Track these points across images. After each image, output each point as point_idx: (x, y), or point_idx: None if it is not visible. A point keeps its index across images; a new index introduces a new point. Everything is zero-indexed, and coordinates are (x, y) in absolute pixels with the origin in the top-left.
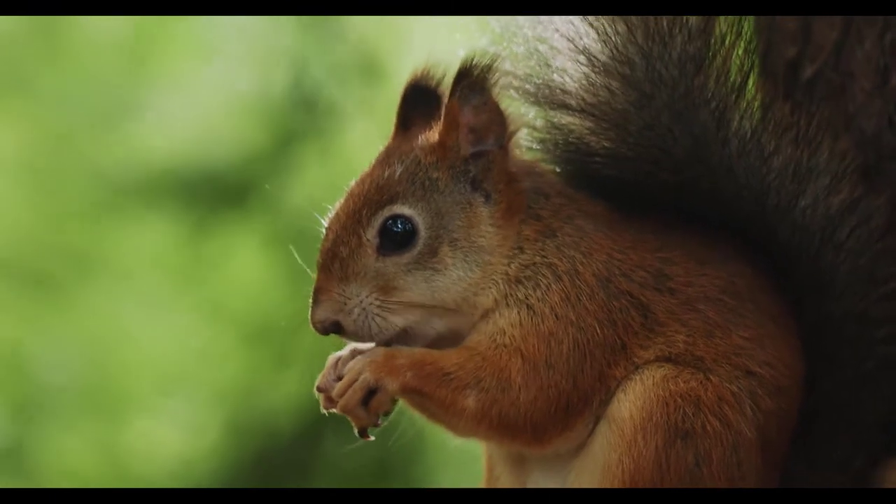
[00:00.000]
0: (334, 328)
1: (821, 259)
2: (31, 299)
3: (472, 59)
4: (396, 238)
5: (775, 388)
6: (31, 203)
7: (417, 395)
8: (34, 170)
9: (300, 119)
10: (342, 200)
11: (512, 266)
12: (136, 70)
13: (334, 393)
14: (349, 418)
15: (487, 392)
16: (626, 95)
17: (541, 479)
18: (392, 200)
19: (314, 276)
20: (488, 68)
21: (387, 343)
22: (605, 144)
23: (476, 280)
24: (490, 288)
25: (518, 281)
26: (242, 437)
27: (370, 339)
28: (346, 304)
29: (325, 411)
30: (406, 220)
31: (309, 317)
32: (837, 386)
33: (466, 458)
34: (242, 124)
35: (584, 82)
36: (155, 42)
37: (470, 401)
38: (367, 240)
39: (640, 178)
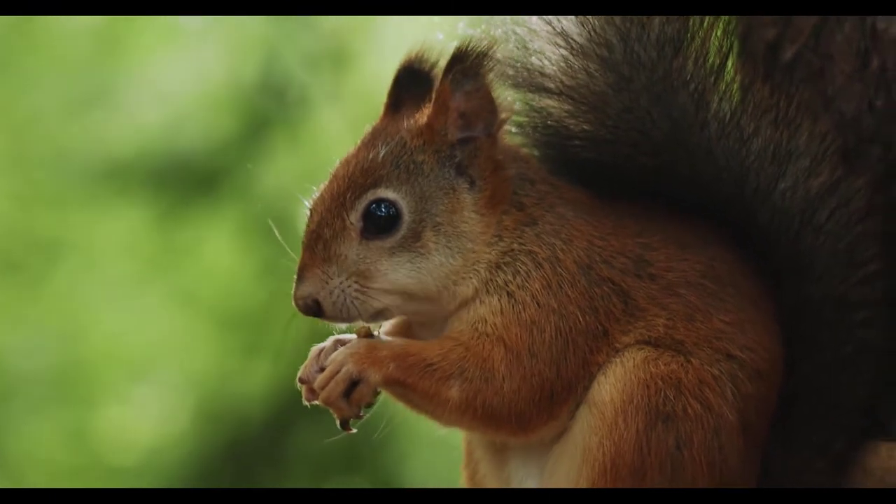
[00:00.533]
0: (315, 307)
1: (800, 242)
2: (0, 286)
3: (468, 45)
4: (380, 222)
5: (755, 371)
6: (0, 189)
7: (400, 387)
8: (2, 156)
9: (270, 107)
10: (327, 182)
11: (492, 253)
12: (106, 57)
13: (316, 384)
14: (331, 410)
15: (471, 382)
16: (604, 78)
17: (521, 464)
18: (376, 184)
19: (297, 256)
20: (483, 55)
21: (369, 319)
22: (584, 127)
23: (457, 268)
24: (471, 278)
25: (498, 267)
26: (213, 425)
27: (348, 321)
28: (327, 283)
29: (307, 403)
30: (390, 203)
31: (292, 293)
32: (816, 369)
33: (436, 447)
34: (213, 112)
35: (562, 65)
36: (126, 29)
37: (454, 391)
38: (351, 223)
39: (618, 161)
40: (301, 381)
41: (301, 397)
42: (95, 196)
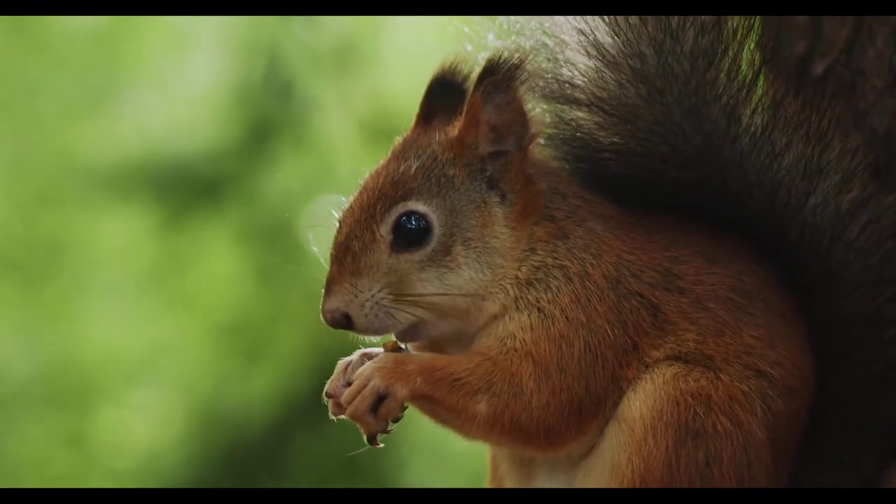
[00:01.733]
0: (344, 321)
1: (831, 258)
2: (1, 288)
3: (500, 56)
4: (410, 235)
5: (786, 388)
6: (1, 192)
7: (428, 402)
8: (4, 158)
9: (275, 111)
10: (357, 193)
11: (522, 269)
12: (109, 59)
13: (343, 399)
14: (358, 425)
15: (499, 397)
16: (636, 90)
17: (547, 480)
18: (407, 196)
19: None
20: (515, 67)
21: (398, 338)
22: (614, 140)
23: (486, 283)
24: (498, 293)
25: (529, 283)
26: (213, 431)
27: (379, 334)
28: (356, 296)
29: (333, 417)
30: (420, 216)
31: (320, 306)
32: (846, 387)
33: (437, 453)
34: (216, 116)
35: (593, 76)
36: (129, 32)
37: (481, 406)
38: (381, 236)
39: (648, 174)
40: (328, 395)
41: (304, 406)
42: (98, 200)
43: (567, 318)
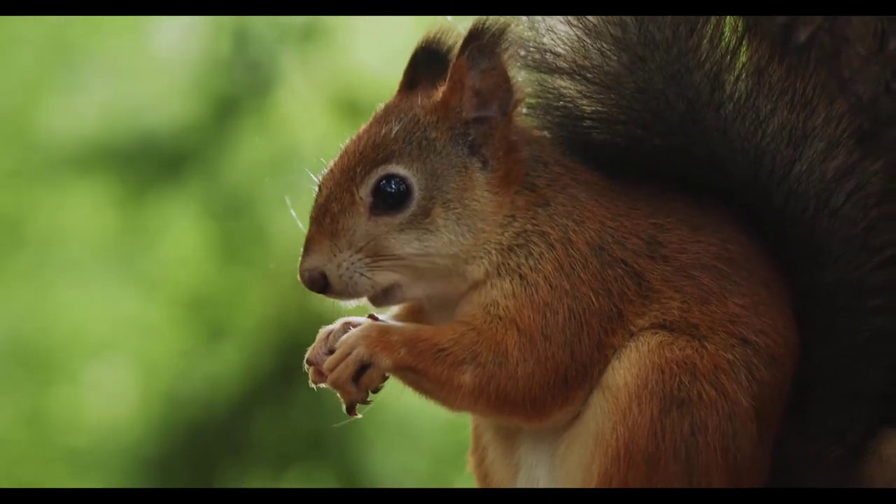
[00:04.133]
0: (321, 280)
1: (816, 226)
2: None
3: (485, 22)
4: (390, 198)
5: (770, 357)
6: None
7: (412, 372)
8: None
9: (239, 87)
10: (337, 156)
11: (505, 235)
12: (70, 33)
13: (325, 366)
14: (338, 393)
15: (484, 367)
16: (618, 58)
17: (531, 450)
18: (387, 159)
19: (304, 229)
20: (500, 33)
21: (371, 301)
22: (597, 108)
23: (467, 247)
24: (482, 258)
25: (510, 249)
26: (175, 408)
27: (354, 297)
28: (335, 256)
29: (313, 385)
30: (400, 180)
31: (298, 266)
32: (831, 356)
33: (403, 432)
34: (180, 91)
35: (575, 44)
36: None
37: (466, 376)
38: (360, 198)
39: (632, 142)
40: (309, 362)
41: (268, 383)
42: (59, 176)
43: (551, 285)
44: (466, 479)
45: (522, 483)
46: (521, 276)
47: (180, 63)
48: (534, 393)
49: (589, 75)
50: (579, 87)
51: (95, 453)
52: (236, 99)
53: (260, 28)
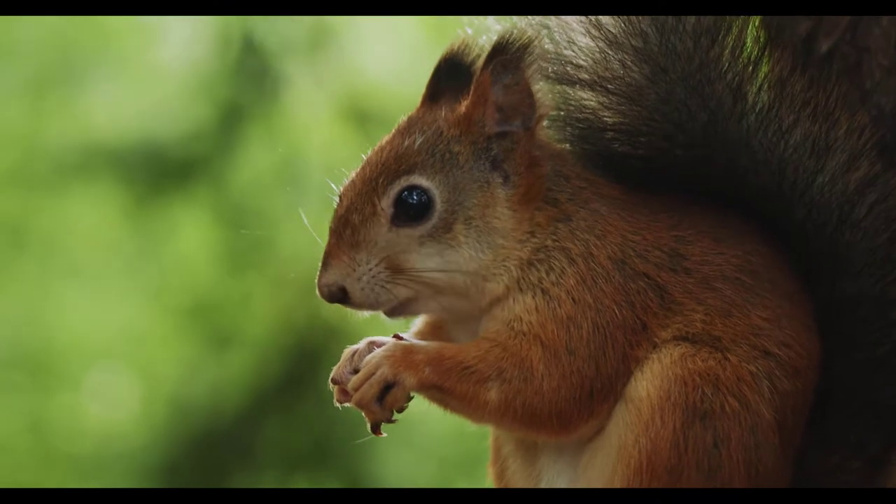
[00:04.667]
0: (340, 294)
1: (838, 238)
2: None
3: (510, 37)
4: (412, 210)
5: (793, 369)
6: None
7: (437, 391)
8: None
9: (247, 94)
10: (359, 168)
11: (524, 251)
12: (78, 40)
13: (350, 386)
14: (363, 413)
15: (510, 383)
16: (639, 69)
17: (552, 461)
18: (410, 171)
19: (323, 241)
20: (525, 48)
21: (387, 314)
22: (619, 120)
23: (487, 263)
24: (501, 275)
25: (530, 264)
26: (181, 415)
27: (374, 309)
28: (354, 270)
29: (338, 405)
30: (423, 191)
31: (316, 280)
32: (851, 368)
33: (408, 439)
34: (188, 98)
35: (596, 56)
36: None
37: (492, 393)
38: (382, 209)
39: (654, 154)
40: (334, 381)
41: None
42: (66, 182)
43: (574, 299)
44: (474, 484)
45: None
46: (543, 290)
47: (187, 70)
48: (560, 407)
49: (610, 87)
50: (601, 99)
51: (100, 460)
52: (243, 106)
53: (267, 35)
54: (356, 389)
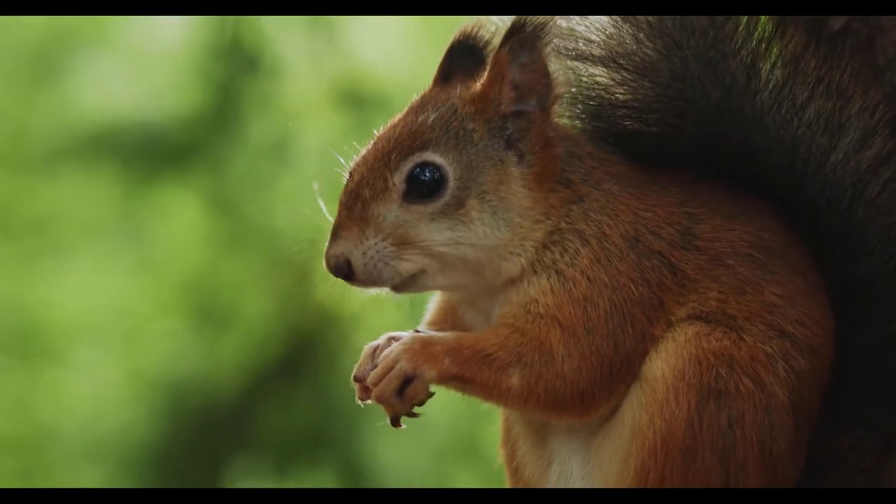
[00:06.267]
0: (346, 268)
1: (851, 215)
2: None
3: (527, 17)
4: (424, 186)
5: (808, 347)
6: None
7: (458, 381)
8: None
9: (243, 78)
10: (370, 143)
11: (540, 232)
12: (69, 24)
13: (369, 381)
14: (383, 407)
15: (531, 367)
16: (653, 44)
17: (564, 441)
18: (423, 147)
19: (323, 222)
20: (542, 27)
21: (393, 289)
22: (631, 96)
23: (504, 241)
24: (518, 255)
25: (545, 247)
26: (178, 402)
27: (377, 285)
28: (362, 243)
29: (360, 402)
30: (436, 168)
31: (324, 251)
32: (865, 346)
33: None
34: (183, 82)
35: (609, 31)
36: None
37: (514, 379)
38: (394, 184)
39: (666, 131)
40: (356, 379)
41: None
42: (57, 166)
43: (589, 279)
44: (470, 472)
45: (555, 475)
46: (557, 272)
47: (182, 53)
48: (581, 388)
49: (623, 62)
50: (613, 76)
51: (89, 442)
52: (238, 89)
53: (263, 18)
54: (376, 384)
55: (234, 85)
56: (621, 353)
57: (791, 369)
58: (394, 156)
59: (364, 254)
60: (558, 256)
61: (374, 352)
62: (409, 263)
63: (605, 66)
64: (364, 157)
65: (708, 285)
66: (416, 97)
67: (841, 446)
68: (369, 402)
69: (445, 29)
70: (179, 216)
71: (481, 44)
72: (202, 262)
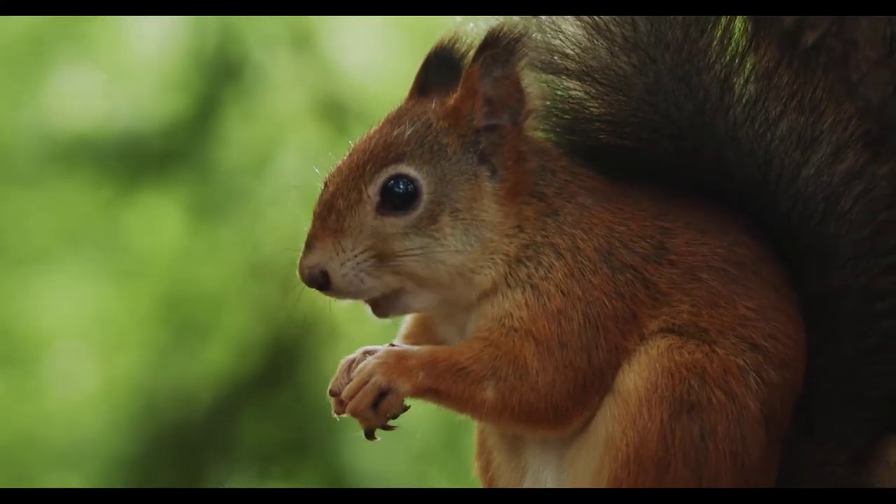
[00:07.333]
0: (321, 278)
1: (823, 230)
2: None
3: (501, 30)
4: (398, 199)
5: (780, 361)
6: None
7: (433, 395)
8: None
9: (225, 85)
10: (345, 155)
11: (512, 246)
12: (53, 32)
13: (344, 395)
14: (357, 420)
15: (506, 381)
16: (628, 58)
17: (538, 453)
18: (398, 160)
19: (303, 232)
20: (516, 41)
21: (374, 309)
22: (606, 110)
23: (475, 256)
24: (489, 268)
25: (518, 261)
26: (159, 408)
27: (355, 297)
28: (337, 255)
29: (336, 416)
30: (409, 180)
31: (298, 262)
32: (837, 360)
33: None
34: (166, 89)
35: (584, 45)
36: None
37: (489, 392)
38: (368, 196)
39: (640, 145)
40: (332, 393)
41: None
42: (39, 174)
43: (563, 292)
44: (451, 477)
45: (529, 487)
46: (532, 286)
47: (164, 61)
48: (555, 401)
49: (598, 76)
50: (588, 89)
51: (74, 454)
52: (222, 97)
53: (245, 26)
54: (350, 398)
55: (214, 93)
56: (595, 367)
57: (763, 382)
58: (368, 167)
59: (342, 265)
60: (533, 270)
61: (350, 365)
62: (386, 278)
63: (580, 79)
64: (339, 168)
65: (680, 298)
66: (392, 110)
67: (814, 459)
68: (345, 415)
69: (428, 39)
70: (160, 224)
71: (457, 56)
72: (182, 270)
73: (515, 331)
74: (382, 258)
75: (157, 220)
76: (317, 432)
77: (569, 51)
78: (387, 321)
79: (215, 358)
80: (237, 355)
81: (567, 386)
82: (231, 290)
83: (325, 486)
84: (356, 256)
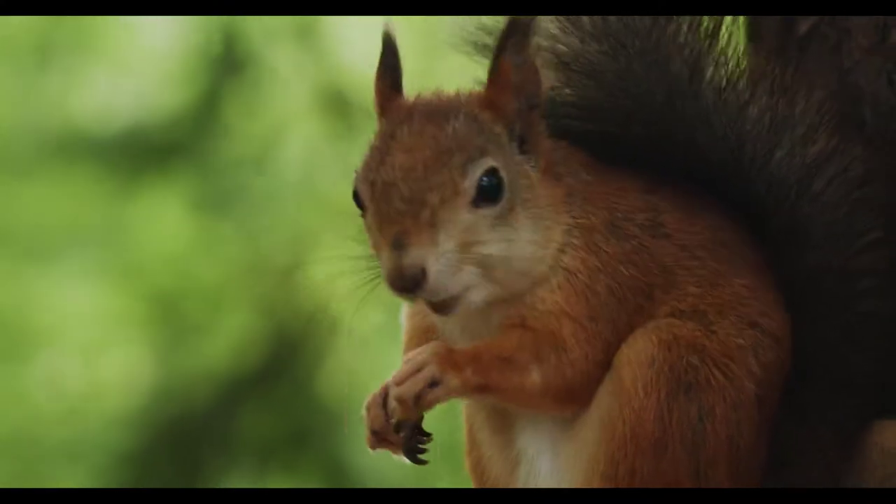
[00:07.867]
0: (420, 277)
1: (797, 211)
2: None
3: (516, 18)
4: (489, 191)
5: (774, 338)
6: None
7: (479, 391)
8: None
9: (228, 79)
10: (402, 152)
11: (558, 232)
12: (54, 28)
13: (394, 379)
14: (398, 408)
15: (548, 362)
16: (598, 45)
17: (531, 440)
18: (483, 153)
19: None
20: (528, 27)
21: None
22: (578, 96)
23: (542, 245)
24: (547, 256)
25: (561, 247)
26: (159, 403)
27: (445, 294)
28: (437, 247)
29: (371, 451)
30: (495, 172)
31: (392, 261)
32: (819, 343)
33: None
34: (168, 83)
35: (554, 32)
36: None
37: (535, 376)
38: (464, 189)
39: (613, 131)
40: (372, 432)
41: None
42: (40, 168)
43: (587, 267)
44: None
45: (523, 476)
46: (563, 267)
47: (168, 56)
48: (590, 375)
49: (569, 62)
50: (559, 76)
51: (73, 452)
52: (224, 92)
53: (248, 21)
54: (400, 383)
55: (217, 87)
56: (620, 339)
57: (759, 362)
58: (456, 161)
59: (439, 259)
60: (567, 253)
61: (384, 400)
62: (470, 275)
63: (554, 68)
64: (412, 166)
65: (684, 276)
66: (405, 108)
67: (804, 445)
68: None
69: (429, 35)
70: (161, 218)
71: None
72: (183, 263)
73: (550, 313)
74: (471, 251)
75: (159, 214)
76: (316, 427)
77: (544, 42)
78: (386, 309)
79: (216, 352)
80: (238, 349)
81: (598, 357)
82: (233, 283)
83: (324, 481)
84: (451, 249)
